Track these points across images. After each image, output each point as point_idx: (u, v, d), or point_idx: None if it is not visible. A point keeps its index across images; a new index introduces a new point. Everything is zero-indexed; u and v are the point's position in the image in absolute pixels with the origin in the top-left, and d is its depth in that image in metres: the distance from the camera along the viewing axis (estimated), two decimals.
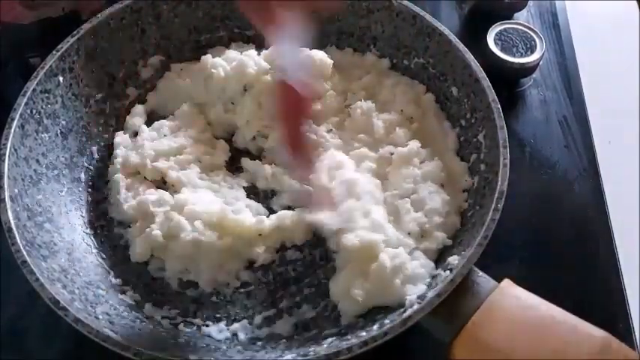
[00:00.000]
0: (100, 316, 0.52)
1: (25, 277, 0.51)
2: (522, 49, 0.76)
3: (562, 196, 0.69)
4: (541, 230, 0.67)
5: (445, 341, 0.50)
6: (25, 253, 0.52)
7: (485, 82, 0.60)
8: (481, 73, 0.61)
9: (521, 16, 0.84)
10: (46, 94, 0.62)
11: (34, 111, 0.61)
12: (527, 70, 0.76)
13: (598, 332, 0.47)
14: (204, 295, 0.59)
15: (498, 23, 0.78)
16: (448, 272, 0.52)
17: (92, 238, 0.62)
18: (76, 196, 0.64)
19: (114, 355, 0.57)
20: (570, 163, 0.71)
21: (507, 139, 0.57)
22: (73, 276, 0.55)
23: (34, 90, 0.60)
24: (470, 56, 0.63)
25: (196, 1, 0.71)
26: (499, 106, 0.59)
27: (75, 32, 0.65)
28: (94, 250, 0.61)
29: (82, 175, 0.66)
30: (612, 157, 0.72)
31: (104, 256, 0.61)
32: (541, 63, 0.76)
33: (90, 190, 0.65)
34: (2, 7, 0.72)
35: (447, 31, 0.65)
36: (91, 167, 0.67)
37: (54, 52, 0.63)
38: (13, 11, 0.72)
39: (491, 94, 0.60)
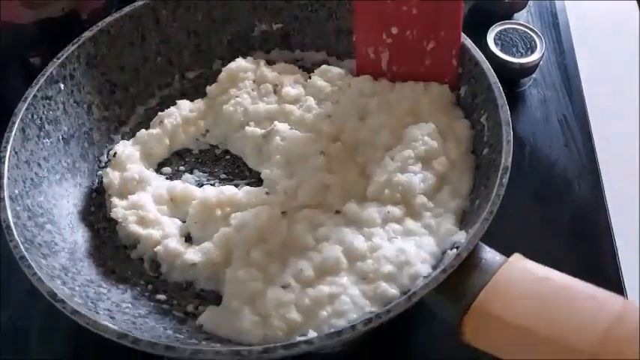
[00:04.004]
0: (101, 312, 0.52)
1: (25, 277, 0.50)
2: (522, 49, 0.76)
3: (562, 195, 0.69)
4: (540, 229, 0.67)
5: (454, 321, 0.48)
6: (23, 249, 0.51)
7: (485, 65, 0.60)
8: (480, 57, 0.61)
9: (521, 16, 0.84)
10: (47, 101, 0.62)
11: (35, 116, 0.61)
12: (528, 70, 0.76)
13: (617, 299, 0.45)
14: (207, 291, 0.59)
15: (498, 23, 0.78)
16: (455, 250, 0.51)
17: (94, 239, 0.62)
18: (78, 199, 0.64)
19: (113, 356, 0.58)
20: (570, 162, 0.71)
21: (510, 118, 0.56)
22: (74, 274, 0.55)
23: (34, 96, 0.61)
24: (468, 42, 0.63)
25: (195, 4, 0.72)
26: (500, 86, 0.58)
27: (75, 40, 0.65)
28: (96, 251, 0.61)
29: (85, 180, 0.66)
30: (612, 157, 0.72)
31: (107, 256, 0.61)
32: (541, 63, 0.76)
33: (93, 194, 0.65)
34: (2, 6, 0.72)
35: None
36: (94, 172, 0.67)
37: (54, 59, 0.64)
38: (13, 11, 0.72)
39: (492, 76, 0.59)
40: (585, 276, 0.64)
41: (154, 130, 0.68)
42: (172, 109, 0.69)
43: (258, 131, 0.66)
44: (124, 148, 0.67)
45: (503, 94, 0.58)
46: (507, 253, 0.63)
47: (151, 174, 0.66)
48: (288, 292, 0.53)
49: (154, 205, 0.63)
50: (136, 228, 0.61)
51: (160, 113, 0.69)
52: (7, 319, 0.61)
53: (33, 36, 0.75)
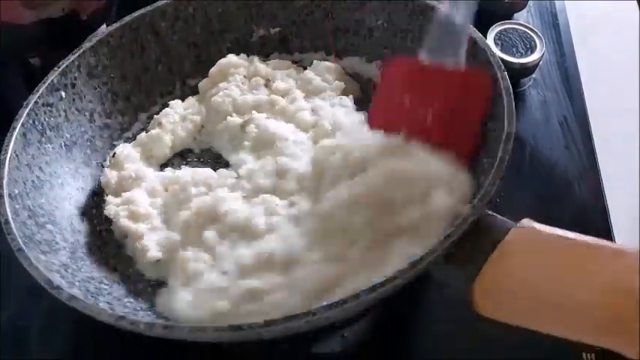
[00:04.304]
0: (101, 304, 0.52)
1: (25, 277, 0.50)
2: (522, 49, 0.76)
3: (562, 196, 0.69)
4: None
5: (463, 289, 0.47)
6: (21, 242, 0.51)
7: (483, 43, 0.60)
8: (479, 37, 0.61)
9: (521, 17, 0.84)
10: (49, 108, 0.63)
11: (36, 122, 0.61)
12: (527, 70, 0.76)
13: (633, 249, 0.44)
14: None
15: (498, 23, 0.78)
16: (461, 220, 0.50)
17: (96, 240, 0.62)
18: (80, 202, 0.64)
19: (114, 356, 0.58)
20: (570, 164, 0.71)
21: (510, 87, 0.55)
22: (74, 271, 0.55)
23: (35, 102, 0.61)
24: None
25: (193, 17, 0.72)
26: (498, 59, 0.58)
27: (75, 50, 0.66)
28: (98, 251, 0.61)
29: (88, 184, 0.66)
30: (612, 158, 0.72)
31: (109, 255, 0.61)
32: (541, 63, 0.76)
33: (95, 197, 0.65)
34: (2, 7, 0.72)
35: (438, 5, 0.64)
36: (97, 177, 0.67)
37: (55, 68, 0.64)
38: (13, 11, 0.72)
39: (489, 50, 0.59)
40: None
41: (154, 131, 0.68)
42: (167, 109, 0.70)
43: (238, 120, 0.66)
44: (124, 148, 0.67)
45: (503, 67, 0.57)
46: None
47: (148, 171, 0.66)
48: (224, 278, 0.53)
49: (148, 199, 0.63)
50: (126, 222, 0.61)
51: (155, 116, 0.70)
52: (7, 319, 0.61)
53: (33, 36, 0.74)
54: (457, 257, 0.47)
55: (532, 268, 0.45)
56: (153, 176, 0.65)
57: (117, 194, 0.64)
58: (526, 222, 0.48)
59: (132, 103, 0.71)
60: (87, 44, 0.67)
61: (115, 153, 0.66)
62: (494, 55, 0.59)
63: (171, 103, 0.71)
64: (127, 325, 0.46)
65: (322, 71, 0.71)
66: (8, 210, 0.54)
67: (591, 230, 0.66)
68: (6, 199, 0.54)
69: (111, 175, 0.65)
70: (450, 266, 0.47)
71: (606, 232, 0.66)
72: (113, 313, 0.48)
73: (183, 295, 0.53)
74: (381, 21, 0.70)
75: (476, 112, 0.58)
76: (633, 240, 0.66)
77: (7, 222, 0.53)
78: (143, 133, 0.69)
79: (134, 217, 0.61)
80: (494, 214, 0.49)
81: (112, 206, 0.62)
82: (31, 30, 0.74)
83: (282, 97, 0.69)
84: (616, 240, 0.65)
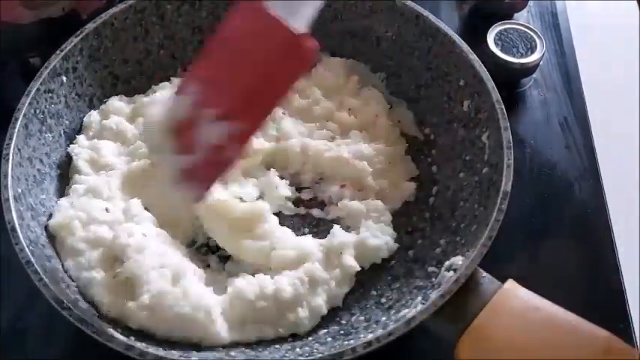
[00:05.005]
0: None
1: (25, 278, 0.50)
2: (522, 49, 0.76)
3: (562, 196, 0.69)
4: (541, 231, 0.67)
5: (450, 342, 0.49)
6: (29, 252, 0.51)
7: (490, 83, 0.60)
8: (485, 74, 0.61)
9: (522, 17, 0.84)
10: (50, 94, 0.62)
11: (37, 111, 0.60)
12: (528, 70, 0.76)
13: (601, 332, 0.47)
14: None
15: (498, 23, 0.78)
16: (452, 273, 0.52)
17: None
18: None
19: (116, 355, 0.57)
20: (571, 164, 0.71)
21: (511, 140, 0.57)
22: None
23: (37, 90, 0.60)
24: (474, 57, 0.62)
25: (200, 1, 0.71)
26: (503, 106, 0.59)
27: (79, 32, 0.65)
28: None
29: None
30: (612, 158, 0.72)
31: None
32: (541, 63, 0.76)
33: None
34: (2, 7, 0.72)
35: (450, 32, 0.64)
36: None
37: (57, 51, 0.63)
38: (13, 11, 0.72)
39: (495, 95, 0.59)
40: (585, 277, 0.64)
41: (147, 98, 0.68)
42: (166, 83, 0.70)
43: None
44: (119, 102, 0.67)
45: (506, 115, 0.58)
46: (508, 254, 0.64)
47: (129, 127, 0.66)
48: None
49: (114, 157, 0.64)
50: (82, 165, 0.62)
51: (153, 86, 0.70)
52: (7, 320, 0.61)
53: (33, 36, 0.74)
54: (448, 313, 0.49)
55: (514, 332, 0.48)
56: (130, 134, 0.66)
57: (90, 138, 0.65)
58: (510, 284, 0.51)
59: (132, 87, 0.70)
60: (90, 25, 0.65)
61: (107, 101, 0.67)
62: (499, 101, 0.59)
63: (174, 79, 0.70)
64: (135, 356, 0.47)
65: (335, 67, 0.71)
66: (14, 215, 0.53)
67: (592, 230, 0.67)
68: (12, 202, 0.54)
69: (94, 119, 0.65)
70: (442, 320, 0.50)
71: (606, 233, 0.66)
72: (123, 341, 0.48)
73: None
74: (390, 33, 0.70)
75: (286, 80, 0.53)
76: (633, 240, 0.66)
77: (14, 229, 0.52)
78: (142, 96, 0.69)
79: (93, 164, 0.62)
80: (483, 272, 0.51)
81: (77, 146, 0.63)
82: (31, 30, 0.74)
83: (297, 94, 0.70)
84: (616, 240, 0.65)
